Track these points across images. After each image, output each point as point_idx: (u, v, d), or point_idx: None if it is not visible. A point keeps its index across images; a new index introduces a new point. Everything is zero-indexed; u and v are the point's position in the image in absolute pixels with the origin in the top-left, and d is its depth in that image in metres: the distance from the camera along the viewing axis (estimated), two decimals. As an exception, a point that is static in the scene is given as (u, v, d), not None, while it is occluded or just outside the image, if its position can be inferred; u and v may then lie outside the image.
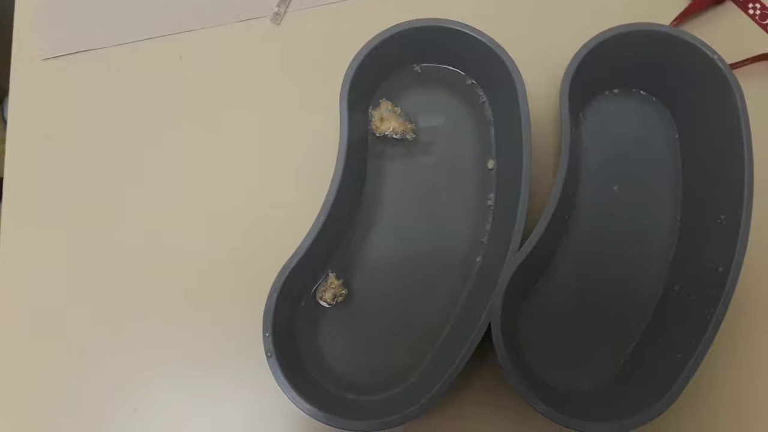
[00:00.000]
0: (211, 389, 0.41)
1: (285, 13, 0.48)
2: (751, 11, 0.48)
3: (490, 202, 0.41)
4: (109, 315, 0.42)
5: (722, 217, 0.38)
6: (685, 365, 0.35)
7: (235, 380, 0.41)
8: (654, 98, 0.44)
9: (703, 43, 0.40)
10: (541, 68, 0.43)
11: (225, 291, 0.42)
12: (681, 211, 0.42)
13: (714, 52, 0.39)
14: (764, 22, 0.47)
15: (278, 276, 0.37)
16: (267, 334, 0.36)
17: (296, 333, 0.39)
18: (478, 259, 0.40)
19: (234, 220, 0.44)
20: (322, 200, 0.38)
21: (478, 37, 0.40)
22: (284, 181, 0.44)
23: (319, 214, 0.38)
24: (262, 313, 0.37)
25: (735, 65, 0.45)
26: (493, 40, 0.40)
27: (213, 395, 0.41)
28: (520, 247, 0.37)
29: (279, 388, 0.35)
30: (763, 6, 0.48)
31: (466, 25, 0.40)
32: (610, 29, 0.40)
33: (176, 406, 0.41)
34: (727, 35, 0.47)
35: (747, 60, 0.45)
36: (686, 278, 0.40)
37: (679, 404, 0.34)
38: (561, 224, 0.41)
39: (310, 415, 0.35)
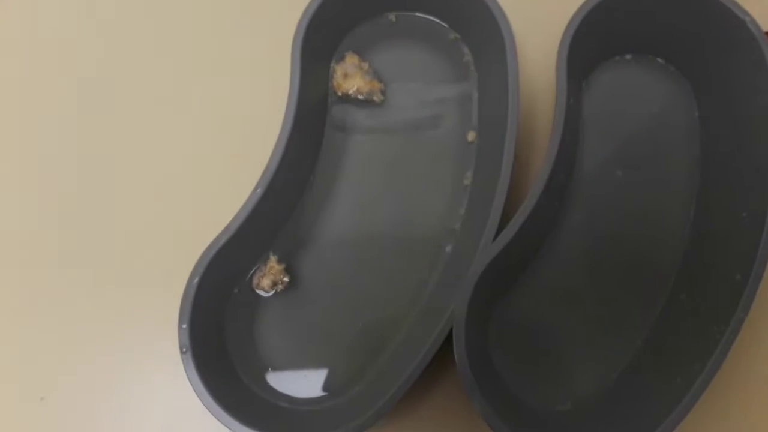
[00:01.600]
0: (128, 380, 0.35)
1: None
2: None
3: (467, 182, 0.35)
4: (12, 296, 0.36)
5: (744, 214, 0.32)
6: (685, 393, 0.28)
7: (155, 372, 0.35)
8: (672, 67, 0.37)
9: (733, 2, 0.32)
10: (540, 25, 0.36)
11: (146, 272, 0.36)
12: (695, 205, 0.35)
13: (746, 13, 0.32)
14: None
15: (201, 258, 0.31)
16: (183, 326, 0.30)
17: (225, 326, 0.33)
18: (448, 249, 0.34)
19: (156, 191, 0.37)
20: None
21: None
22: (221, 145, 0.38)
23: (257, 185, 0.32)
24: (183, 300, 0.30)
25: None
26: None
27: (129, 386, 0.35)
28: (494, 239, 0.31)
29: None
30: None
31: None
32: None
33: (88, 397, 0.35)
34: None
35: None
36: (695, 286, 0.33)
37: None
38: (549, 213, 0.35)
39: (229, 427, 0.29)
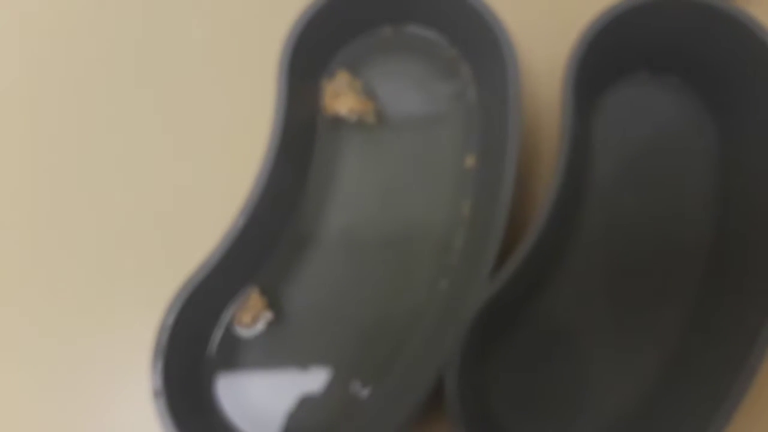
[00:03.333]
0: (105, 419, 0.33)
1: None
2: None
3: (465, 211, 0.32)
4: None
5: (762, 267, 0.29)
6: None
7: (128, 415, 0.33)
8: (691, 87, 0.34)
9: (754, 21, 0.30)
10: (547, 38, 0.34)
11: (120, 306, 0.34)
12: (714, 241, 0.32)
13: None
14: None
15: (176, 295, 0.29)
16: (156, 368, 0.28)
17: (204, 367, 0.31)
18: (443, 285, 0.32)
19: (135, 214, 0.35)
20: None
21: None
22: (202, 170, 0.35)
23: (238, 214, 0.30)
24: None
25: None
26: (478, -3, 0.30)
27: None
28: (491, 273, 0.28)
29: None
30: None
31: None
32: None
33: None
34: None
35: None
36: (710, 329, 0.30)
37: None
38: (554, 246, 0.32)
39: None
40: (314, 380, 0.31)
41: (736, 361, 0.27)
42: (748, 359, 0.26)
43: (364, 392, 0.31)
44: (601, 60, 0.32)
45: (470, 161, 0.33)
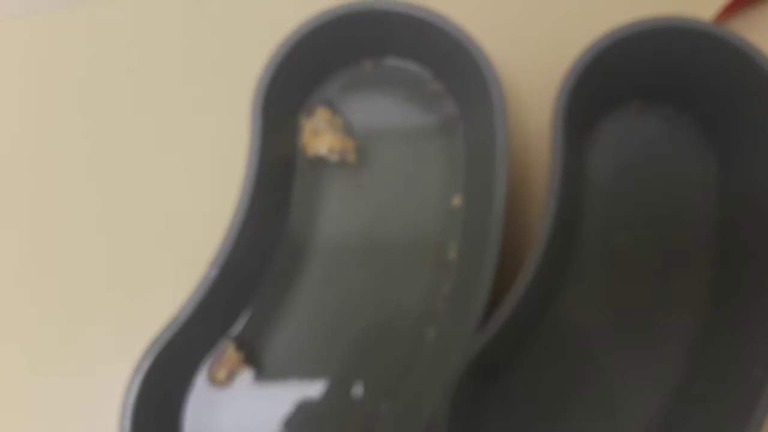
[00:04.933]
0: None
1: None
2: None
3: (451, 255, 0.30)
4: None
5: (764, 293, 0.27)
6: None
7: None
8: (686, 117, 0.33)
9: (753, 47, 0.28)
10: (536, 73, 0.32)
11: (99, 348, 0.32)
12: (712, 281, 0.31)
13: (765, 58, 0.28)
14: None
15: (142, 357, 0.27)
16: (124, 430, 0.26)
17: (176, 426, 0.29)
18: (430, 334, 0.30)
19: (110, 245, 0.33)
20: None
21: (442, 26, 0.29)
22: (178, 206, 0.34)
23: (210, 265, 0.28)
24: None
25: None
26: (460, 28, 0.29)
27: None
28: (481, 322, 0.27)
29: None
30: None
31: (425, 8, 0.29)
32: (623, 27, 0.29)
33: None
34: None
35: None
36: (708, 375, 0.29)
37: None
38: (546, 288, 0.30)
39: None
40: (295, 436, 0.29)
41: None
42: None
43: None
44: (592, 92, 0.30)
45: (457, 201, 0.31)
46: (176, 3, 0.36)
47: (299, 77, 0.31)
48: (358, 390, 0.30)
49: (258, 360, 0.30)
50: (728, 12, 0.34)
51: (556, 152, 0.28)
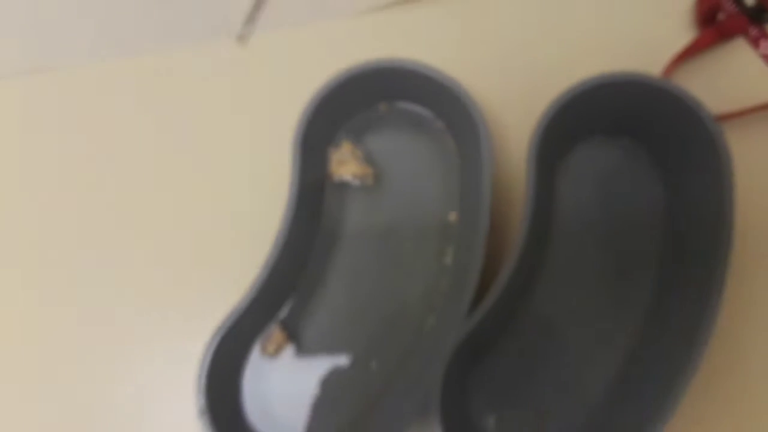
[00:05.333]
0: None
1: (252, 33, 0.45)
2: (764, 50, 0.43)
3: (448, 260, 0.39)
4: (55, 342, 0.42)
5: (693, 291, 0.35)
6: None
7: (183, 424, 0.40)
8: (639, 146, 0.41)
9: (688, 95, 0.36)
10: (521, 115, 0.40)
11: (176, 331, 0.41)
12: (658, 279, 0.39)
13: (699, 105, 0.36)
14: (777, 62, 0.43)
15: (213, 334, 0.36)
16: (200, 392, 0.35)
17: (238, 389, 0.38)
18: (431, 322, 0.38)
19: (183, 249, 0.42)
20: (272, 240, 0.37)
21: (441, 80, 0.37)
22: (235, 220, 0.42)
23: (261, 267, 0.37)
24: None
25: (733, 115, 0.40)
26: (455, 81, 0.37)
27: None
28: (470, 313, 0.35)
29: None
30: (778, 44, 0.43)
31: (428, 66, 0.37)
32: (587, 80, 0.37)
33: None
34: (735, 77, 0.43)
35: (745, 110, 0.41)
36: (651, 354, 0.37)
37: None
38: (522, 286, 0.39)
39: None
40: (326, 395, 0.38)
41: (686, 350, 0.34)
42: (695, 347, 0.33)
43: (367, 405, 0.38)
44: (562, 129, 0.38)
45: (453, 217, 0.39)
46: (241, 68, 0.45)
47: (329, 118, 0.40)
48: (374, 364, 0.38)
49: (298, 338, 0.39)
50: (674, 65, 0.41)
51: (531, 178, 0.36)
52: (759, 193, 0.40)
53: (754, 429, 0.38)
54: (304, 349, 0.39)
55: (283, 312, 0.39)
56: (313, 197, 0.40)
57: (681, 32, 0.43)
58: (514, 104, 0.41)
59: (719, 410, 0.38)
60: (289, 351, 0.39)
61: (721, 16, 0.43)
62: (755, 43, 0.43)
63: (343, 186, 0.41)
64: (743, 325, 0.38)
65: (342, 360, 0.39)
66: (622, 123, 0.40)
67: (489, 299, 0.35)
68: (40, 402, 0.41)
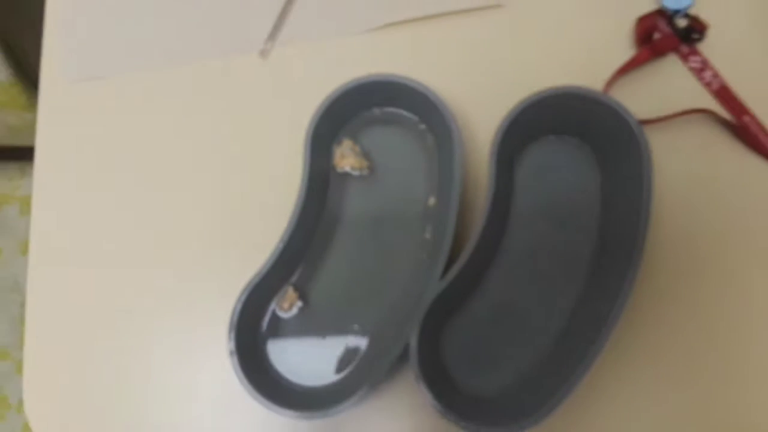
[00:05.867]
0: (194, 367, 0.50)
1: (272, 48, 0.54)
2: (692, 64, 0.52)
3: (428, 236, 0.48)
4: (119, 300, 0.52)
5: (619, 261, 0.45)
6: (563, 384, 0.42)
7: (215, 363, 0.50)
8: (585, 145, 0.50)
9: (619, 104, 0.45)
10: (487, 118, 0.49)
11: (210, 290, 0.51)
12: (593, 251, 0.48)
13: (629, 113, 0.45)
14: (702, 75, 0.52)
15: (241, 292, 0.46)
16: (231, 337, 0.45)
17: (258, 337, 0.48)
18: (413, 283, 0.48)
19: (217, 224, 0.52)
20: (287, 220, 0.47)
21: (422, 91, 0.46)
22: (257, 202, 0.52)
23: (279, 240, 0.46)
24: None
25: (656, 120, 0.50)
26: (433, 93, 0.46)
27: (195, 373, 0.50)
28: (442, 277, 0.45)
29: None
30: (703, 60, 0.52)
31: (412, 79, 0.47)
32: (541, 92, 0.46)
33: (165, 379, 0.50)
34: (667, 88, 0.52)
35: (665, 117, 0.50)
36: (586, 310, 0.46)
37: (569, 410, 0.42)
38: (485, 256, 0.48)
39: (263, 405, 0.44)
40: (329, 343, 0.48)
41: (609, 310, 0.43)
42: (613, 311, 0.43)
43: (360, 350, 0.48)
44: (519, 130, 0.47)
45: (432, 201, 0.49)
46: (263, 78, 0.54)
47: (333, 120, 0.49)
48: (367, 319, 0.48)
49: (306, 298, 0.49)
50: (616, 77, 0.51)
51: (492, 170, 0.46)
52: (672, 176, 0.49)
53: (664, 363, 0.47)
54: (311, 307, 0.49)
55: (295, 276, 0.49)
56: (321, 184, 0.49)
57: (623, 49, 0.53)
58: (483, 109, 0.51)
59: (637, 355, 0.47)
60: (299, 307, 0.48)
61: (656, 36, 0.52)
62: (685, 58, 0.52)
63: (345, 176, 0.50)
64: (659, 283, 0.48)
65: (341, 316, 0.48)
66: (569, 125, 0.49)
67: (457, 265, 0.45)
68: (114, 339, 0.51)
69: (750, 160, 0.50)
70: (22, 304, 0.82)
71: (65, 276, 0.53)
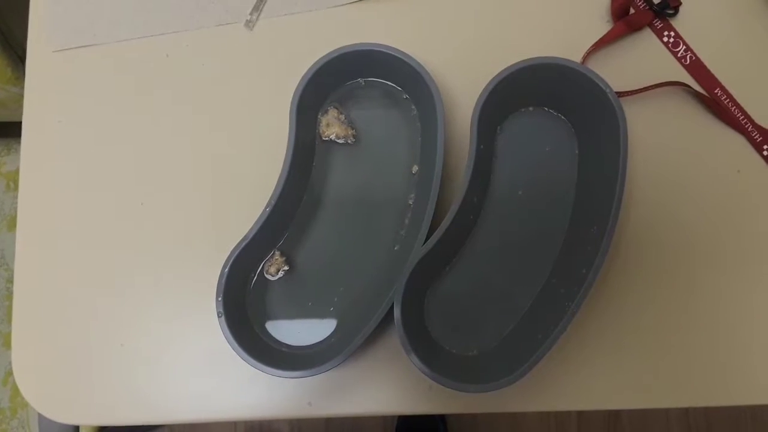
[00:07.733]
0: (183, 331, 0.52)
1: (257, 20, 0.55)
2: (665, 39, 0.54)
3: (410, 202, 0.50)
4: (107, 269, 0.53)
5: (594, 228, 0.47)
6: (540, 345, 0.44)
7: (204, 326, 0.51)
8: (562, 117, 0.52)
9: (596, 75, 0.47)
10: (468, 88, 0.51)
11: (198, 256, 0.52)
12: (570, 218, 0.50)
13: (606, 84, 0.47)
14: (675, 50, 0.54)
15: (228, 256, 0.47)
16: (219, 299, 0.46)
17: (246, 299, 0.49)
18: (396, 248, 0.50)
19: (203, 192, 0.53)
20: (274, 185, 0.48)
21: (406, 60, 0.48)
22: (244, 170, 0.53)
23: (266, 204, 0.48)
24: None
25: (632, 92, 0.51)
26: (417, 62, 0.48)
27: (185, 336, 0.52)
28: (425, 242, 0.46)
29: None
30: (676, 34, 0.54)
31: (396, 49, 0.48)
32: (520, 63, 0.47)
33: (154, 343, 0.52)
34: (641, 61, 0.54)
35: (641, 89, 0.51)
36: (561, 275, 0.48)
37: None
38: (466, 223, 0.50)
39: (250, 364, 0.46)
40: (312, 306, 0.50)
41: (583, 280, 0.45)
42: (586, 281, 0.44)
43: (344, 313, 0.49)
44: (499, 100, 0.49)
45: (415, 168, 0.50)
46: (248, 48, 0.55)
47: (319, 89, 0.50)
48: (352, 283, 0.50)
49: (292, 263, 0.50)
50: (593, 50, 0.52)
51: (473, 139, 0.47)
52: (646, 146, 0.51)
53: (635, 327, 0.50)
54: (296, 271, 0.50)
55: (282, 241, 0.50)
56: (306, 152, 0.51)
57: (600, 24, 0.54)
58: (464, 81, 0.52)
59: (610, 319, 0.50)
60: (285, 272, 0.50)
61: (632, 11, 0.54)
62: (659, 33, 0.54)
63: (330, 144, 0.51)
64: (632, 250, 0.50)
65: (325, 280, 0.50)
66: (548, 96, 0.51)
67: (439, 231, 0.46)
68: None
69: (721, 130, 0.52)
70: (9, 279, 0.82)
71: (53, 251, 0.54)
